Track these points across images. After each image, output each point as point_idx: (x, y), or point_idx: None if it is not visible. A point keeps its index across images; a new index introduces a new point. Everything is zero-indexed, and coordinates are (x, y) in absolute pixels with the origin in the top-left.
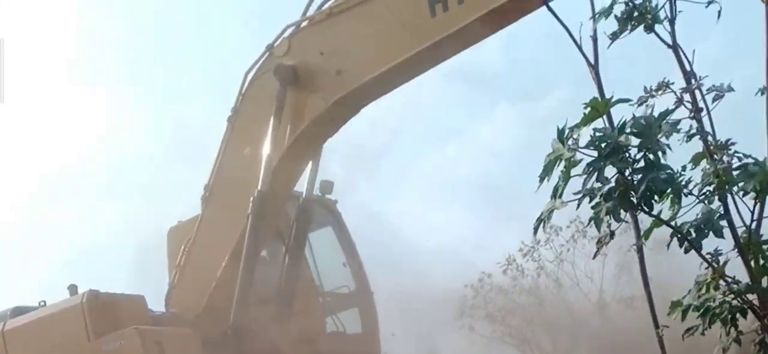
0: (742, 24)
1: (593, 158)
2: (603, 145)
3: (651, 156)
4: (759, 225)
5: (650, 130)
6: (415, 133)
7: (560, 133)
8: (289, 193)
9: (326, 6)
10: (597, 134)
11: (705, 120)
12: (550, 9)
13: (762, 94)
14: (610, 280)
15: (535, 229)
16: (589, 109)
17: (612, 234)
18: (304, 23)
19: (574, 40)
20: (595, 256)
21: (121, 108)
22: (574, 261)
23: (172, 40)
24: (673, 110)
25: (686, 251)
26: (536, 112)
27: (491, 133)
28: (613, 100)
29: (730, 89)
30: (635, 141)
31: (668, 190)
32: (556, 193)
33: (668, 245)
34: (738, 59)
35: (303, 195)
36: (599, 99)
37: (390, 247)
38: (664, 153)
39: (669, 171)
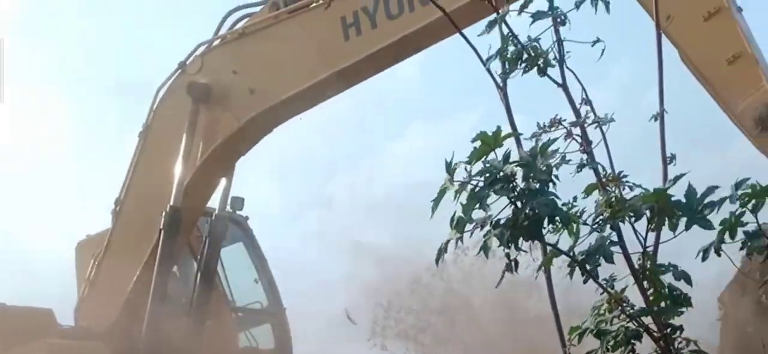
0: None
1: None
2: (488, 175)
3: (536, 185)
4: (655, 251)
5: (534, 160)
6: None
7: (447, 165)
8: (201, 210)
9: (239, 26)
10: (486, 165)
11: (606, 150)
12: (463, 36)
13: (655, 119)
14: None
15: (436, 260)
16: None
17: (516, 264)
18: (217, 42)
19: (485, 65)
20: (497, 285)
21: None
22: (484, 281)
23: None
24: (553, 141)
25: (585, 280)
26: (451, 129)
27: (404, 152)
28: (504, 134)
29: (612, 120)
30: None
31: (556, 219)
32: (455, 224)
33: (570, 274)
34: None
35: (216, 211)
36: (509, 121)
37: (303, 263)
38: (550, 183)
39: (551, 198)
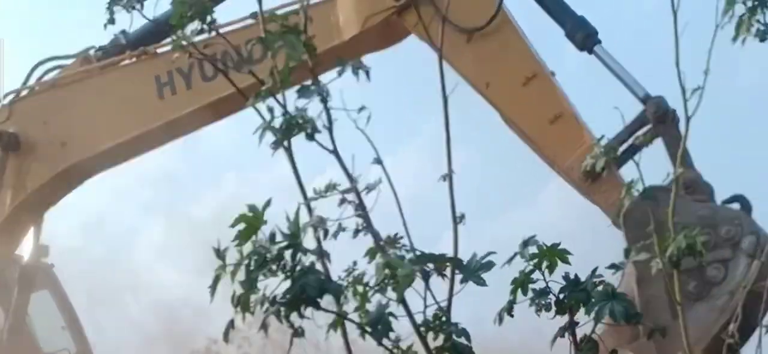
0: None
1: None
2: (255, 258)
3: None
4: (449, 306)
5: (297, 235)
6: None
7: (217, 252)
8: (9, 258)
9: (49, 77)
10: (255, 247)
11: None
12: (276, 99)
13: (444, 180)
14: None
15: (225, 337)
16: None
17: (301, 331)
18: (25, 92)
19: (260, 132)
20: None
21: None
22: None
23: None
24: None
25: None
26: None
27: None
28: (263, 207)
29: (380, 182)
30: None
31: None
32: (238, 303)
33: (362, 335)
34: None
35: (24, 259)
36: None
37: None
38: (323, 256)
39: (317, 276)
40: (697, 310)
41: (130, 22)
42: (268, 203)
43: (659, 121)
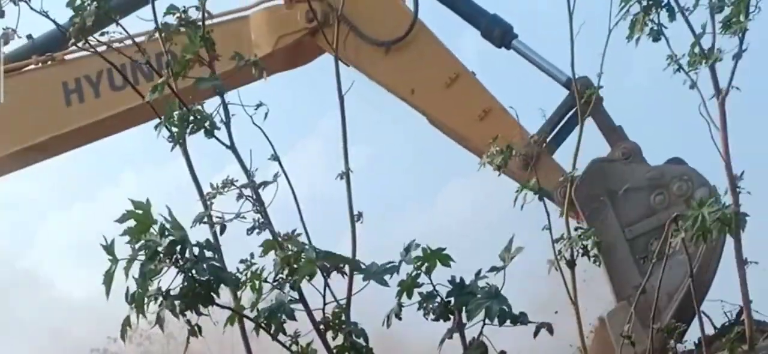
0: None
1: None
2: (146, 251)
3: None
4: (348, 302)
5: (181, 228)
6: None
7: (106, 247)
8: None
9: None
10: (146, 241)
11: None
12: (175, 92)
13: (341, 178)
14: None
15: (122, 336)
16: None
17: (198, 329)
18: None
19: (157, 128)
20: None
21: None
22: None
23: None
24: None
25: (273, 337)
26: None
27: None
28: (147, 202)
29: (278, 176)
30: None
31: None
32: (132, 300)
33: (256, 331)
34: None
35: None
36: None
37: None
38: (216, 249)
39: (213, 266)
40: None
41: (18, 16)
42: (148, 202)
43: (586, 101)
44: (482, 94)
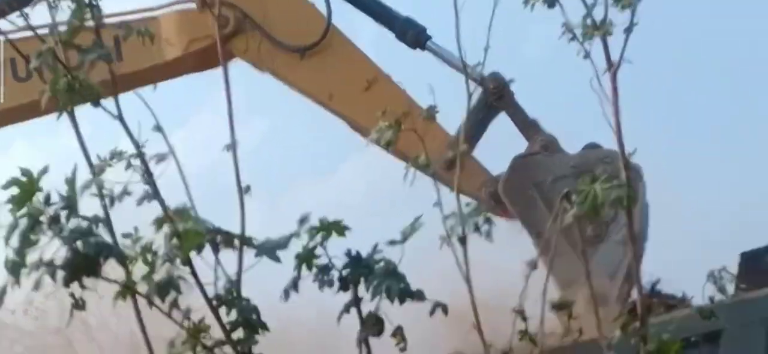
0: None
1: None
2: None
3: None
4: (239, 278)
5: (74, 197)
6: None
7: None
8: None
9: None
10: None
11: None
12: (60, 61)
13: (227, 150)
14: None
15: None
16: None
17: (83, 303)
18: None
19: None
20: (68, 325)
21: None
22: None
23: None
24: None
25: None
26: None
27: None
28: (40, 173)
29: (172, 153)
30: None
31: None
32: (10, 268)
33: (150, 305)
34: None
35: None
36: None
37: None
38: (104, 221)
39: (98, 239)
40: (602, 250)
41: None
42: (45, 170)
43: (499, 96)
44: (400, 97)
